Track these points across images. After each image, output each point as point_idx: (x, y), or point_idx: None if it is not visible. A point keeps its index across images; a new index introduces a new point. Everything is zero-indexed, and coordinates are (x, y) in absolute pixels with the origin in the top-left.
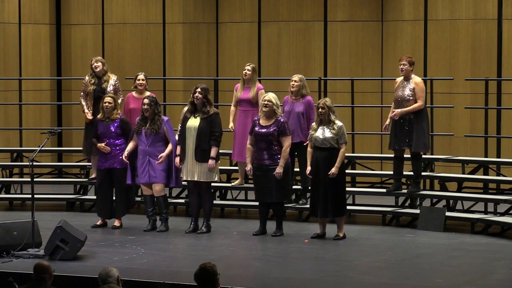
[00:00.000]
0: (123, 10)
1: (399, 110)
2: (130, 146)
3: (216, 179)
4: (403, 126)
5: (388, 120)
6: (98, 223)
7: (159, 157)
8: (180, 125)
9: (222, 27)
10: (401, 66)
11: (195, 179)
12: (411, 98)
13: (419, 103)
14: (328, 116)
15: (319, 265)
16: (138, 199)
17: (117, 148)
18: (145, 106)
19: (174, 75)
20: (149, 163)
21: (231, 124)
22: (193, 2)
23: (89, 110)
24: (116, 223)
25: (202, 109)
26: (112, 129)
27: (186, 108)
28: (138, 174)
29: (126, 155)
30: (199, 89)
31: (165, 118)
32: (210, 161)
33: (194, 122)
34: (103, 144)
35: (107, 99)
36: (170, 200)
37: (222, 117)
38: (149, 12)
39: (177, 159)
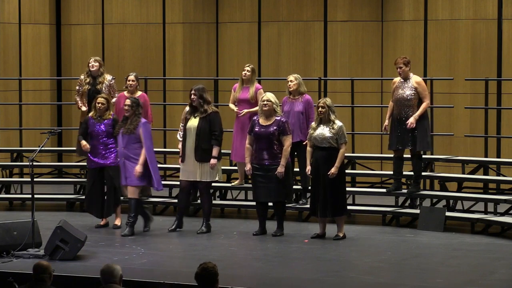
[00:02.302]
0: (123, 10)
1: (412, 119)
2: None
3: (218, 178)
4: (405, 126)
5: (387, 120)
6: (101, 223)
7: (136, 171)
8: (182, 125)
9: (222, 27)
10: (398, 70)
11: (198, 179)
12: (412, 97)
13: (426, 102)
14: (328, 115)
15: (319, 265)
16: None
17: (108, 147)
18: (126, 107)
19: (174, 75)
20: (124, 165)
21: (236, 109)
22: (193, 2)
23: (83, 104)
24: (117, 222)
25: (200, 109)
26: (103, 128)
27: (187, 109)
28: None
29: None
30: (193, 91)
31: (143, 121)
32: (212, 161)
33: (193, 122)
34: (84, 142)
35: (100, 99)
36: (170, 200)
37: (222, 116)
38: (149, 12)
39: (180, 159)
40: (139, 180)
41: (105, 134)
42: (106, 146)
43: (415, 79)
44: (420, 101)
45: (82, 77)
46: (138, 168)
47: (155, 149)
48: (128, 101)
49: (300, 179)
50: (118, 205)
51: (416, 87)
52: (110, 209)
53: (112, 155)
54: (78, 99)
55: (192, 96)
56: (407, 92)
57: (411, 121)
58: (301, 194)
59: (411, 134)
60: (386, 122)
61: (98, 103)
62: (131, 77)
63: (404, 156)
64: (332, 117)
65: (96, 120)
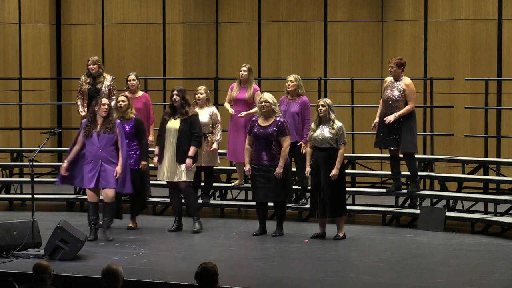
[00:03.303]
0: (123, 10)
1: (392, 116)
2: (74, 151)
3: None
4: (391, 127)
5: (377, 118)
6: (131, 225)
7: (117, 173)
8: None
9: (222, 27)
10: (390, 69)
11: (175, 180)
12: (400, 99)
13: (410, 105)
14: (328, 114)
15: (319, 265)
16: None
17: (132, 148)
18: (106, 107)
19: (174, 75)
20: (101, 168)
21: (230, 110)
22: (193, 2)
23: (83, 109)
24: (131, 224)
25: (181, 110)
26: (127, 129)
27: (165, 111)
28: (84, 178)
29: (67, 165)
30: (175, 91)
31: (118, 121)
32: (188, 161)
33: (174, 124)
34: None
35: (121, 98)
36: (168, 200)
37: (221, 116)
38: (149, 12)
39: (155, 159)
40: (115, 183)
41: (128, 135)
42: (129, 147)
43: (405, 81)
44: (407, 104)
45: (82, 77)
46: (119, 169)
47: (154, 149)
48: (106, 101)
49: (298, 179)
50: (145, 207)
51: (405, 89)
52: (135, 210)
53: (133, 159)
54: (79, 102)
55: (175, 97)
56: (395, 93)
57: (390, 118)
58: (301, 194)
59: (394, 136)
60: (376, 120)
61: (119, 101)
62: (132, 76)
63: (400, 155)
64: (332, 116)
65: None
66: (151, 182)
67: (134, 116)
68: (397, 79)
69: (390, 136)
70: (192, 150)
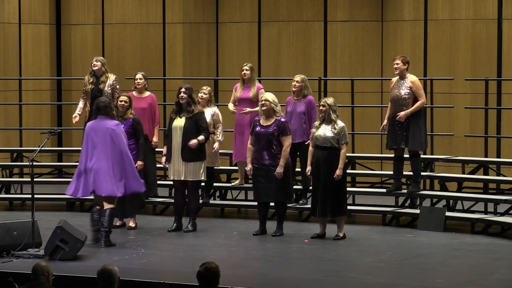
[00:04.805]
0: (123, 10)
1: (403, 112)
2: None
3: (203, 178)
4: (400, 125)
5: (385, 120)
6: (117, 223)
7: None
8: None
9: (222, 27)
10: (395, 66)
11: (182, 178)
12: (407, 97)
13: (421, 101)
14: (328, 115)
15: (319, 265)
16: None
17: (129, 148)
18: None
19: (174, 75)
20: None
21: (232, 108)
22: (193, 2)
23: (79, 113)
24: (131, 223)
25: (187, 108)
26: (124, 128)
27: (172, 110)
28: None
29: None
30: (183, 89)
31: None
32: (194, 140)
33: (179, 122)
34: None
35: (123, 98)
36: (170, 200)
37: (223, 116)
38: (149, 12)
39: (163, 159)
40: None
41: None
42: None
43: (410, 78)
44: (416, 101)
45: (86, 77)
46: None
47: (161, 149)
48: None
49: (301, 179)
50: (143, 206)
51: (411, 86)
52: (129, 209)
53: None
54: (81, 104)
55: (182, 94)
56: (403, 91)
57: (401, 114)
58: (301, 194)
59: (404, 133)
60: (385, 122)
61: (121, 101)
62: (138, 76)
63: (405, 156)
64: (333, 116)
65: (118, 120)
66: (158, 182)
67: (132, 116)
68: (402, 77)
69: (400, 134)
70: (201, 137)
